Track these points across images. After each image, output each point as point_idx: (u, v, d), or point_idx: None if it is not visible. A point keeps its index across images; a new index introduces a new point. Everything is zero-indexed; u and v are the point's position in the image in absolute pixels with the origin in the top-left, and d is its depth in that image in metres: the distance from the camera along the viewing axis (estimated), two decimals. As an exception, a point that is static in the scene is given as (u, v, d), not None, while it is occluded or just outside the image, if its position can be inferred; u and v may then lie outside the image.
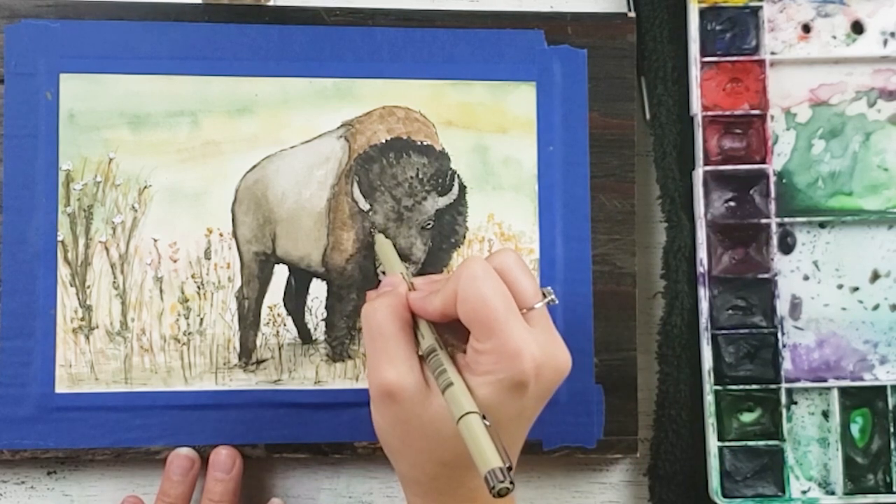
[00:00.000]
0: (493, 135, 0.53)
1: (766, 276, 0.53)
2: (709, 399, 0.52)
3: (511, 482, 0.35)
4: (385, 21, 0.53)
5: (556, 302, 0.42)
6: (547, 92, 0.53)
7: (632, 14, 0.54)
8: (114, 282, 0.51)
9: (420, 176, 0.52)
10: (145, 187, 0.51)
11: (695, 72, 0.54)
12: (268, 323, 0.52)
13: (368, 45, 0.53)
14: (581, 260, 0.53)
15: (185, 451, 0.50)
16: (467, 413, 0.38)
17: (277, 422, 0.51)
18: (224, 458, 0.50)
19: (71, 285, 0.51)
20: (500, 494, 0.35)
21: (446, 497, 0.42)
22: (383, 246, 0.50)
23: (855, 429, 0.53)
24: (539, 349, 0.39)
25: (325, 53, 0.52)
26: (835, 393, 0.53)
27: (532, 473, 0.54)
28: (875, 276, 0.54)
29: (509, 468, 0.36)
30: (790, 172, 0.54)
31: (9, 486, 0.52)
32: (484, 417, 0.38)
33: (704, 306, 0.53)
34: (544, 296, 0.42)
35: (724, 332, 0.53)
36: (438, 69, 0.53)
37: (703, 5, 0.54)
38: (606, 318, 0.53)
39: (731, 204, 0.54)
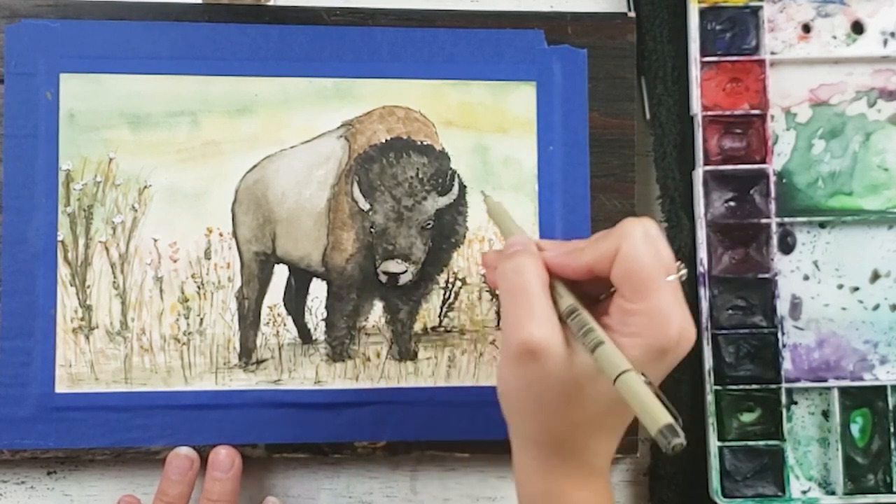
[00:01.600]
0: (493, 135, 0.53)
1: (766, 276, 0.53)
2: (709, 399, 0.52)
3: (685, 438, 0.34)
4: (385, 21, 0.53)
5: (686, 277, 0.41)
6: (547, 92, 0.53)
7: (632, 14, 0.54)
8: (114, 282, 0.51)
9: (420, 176, 0.52)
10: (145, 187, 0.51)
11: (695, 72, 0.54)
12: (268, 323, 0.52)
13: (368, 45, 0.53)
14: (581, 260, 0.53)
15: (183, 451, 0.50)
16: (626, 371, 0.37)
17: (277, 422, 0.51)
18: (223, 457, 0.50)
19: (71, 285, 0.51)
20: (675, 451, 0.35)
21: (569, 460, 0.41)
22: (496, 208, 0.48)
23: (855, 429, 0.53)
24: (685, 318, 0.39)
25: (325, 53, 0.52)
26: (835, 393, 0.53)
27: (532, 473, 0.54)
28: (875, 276, 0.54)
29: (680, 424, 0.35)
30: (790, 172, 0.54)
31: (9, 486, 0.52)
32: (643, 374, 0.37)
33: (704, 306, 0.53)
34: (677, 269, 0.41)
35: (724, 332, 0.53)
36: (438, 69, 0.53)
37: (703, 5, 0.54)
38: (606, 318, 0.53)
39: (731, 204, 0.54)
